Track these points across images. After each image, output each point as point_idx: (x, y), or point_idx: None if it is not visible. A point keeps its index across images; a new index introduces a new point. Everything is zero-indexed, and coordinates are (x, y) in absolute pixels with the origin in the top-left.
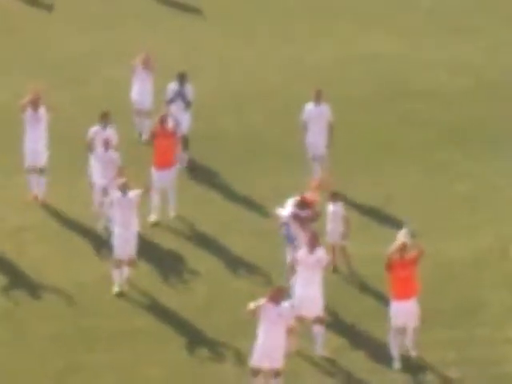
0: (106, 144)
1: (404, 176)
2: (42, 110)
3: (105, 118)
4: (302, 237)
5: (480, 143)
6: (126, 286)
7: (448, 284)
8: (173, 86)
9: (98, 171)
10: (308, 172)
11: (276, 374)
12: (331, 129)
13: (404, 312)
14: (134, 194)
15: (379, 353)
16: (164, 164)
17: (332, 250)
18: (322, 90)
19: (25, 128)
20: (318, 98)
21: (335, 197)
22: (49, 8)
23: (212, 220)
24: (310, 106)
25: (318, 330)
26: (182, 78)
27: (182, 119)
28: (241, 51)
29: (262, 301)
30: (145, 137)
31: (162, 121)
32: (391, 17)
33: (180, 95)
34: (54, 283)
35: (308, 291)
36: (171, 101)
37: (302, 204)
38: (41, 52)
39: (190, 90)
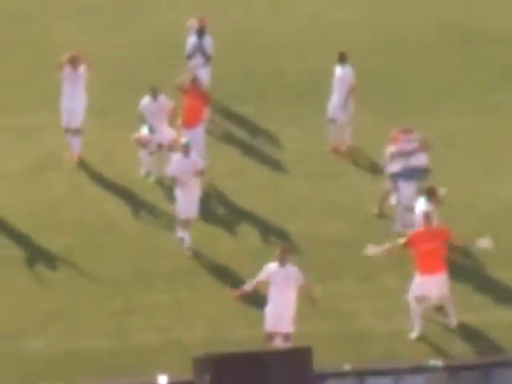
0: (154, 91)
1: (464, 116)
2: (82, 69)
3: (154, 91)
4: None
5: None
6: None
7: (504, 225)
8: (192, 40)
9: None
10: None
11: (286, 337)
12: (352, 91)
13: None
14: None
15: None
16: (191, 122)
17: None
18: (345, 52)
19: (63, 87)
20: (342, 60)
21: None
22: None
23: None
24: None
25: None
26: (201, 31)
27: (200, 74)
28: None
29: (270, 265)
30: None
31: (194, 79)
32: None
33: (200, 49)
34: (111, 225)
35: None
36: (190, 56)
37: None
38: None
39: (209, 42)
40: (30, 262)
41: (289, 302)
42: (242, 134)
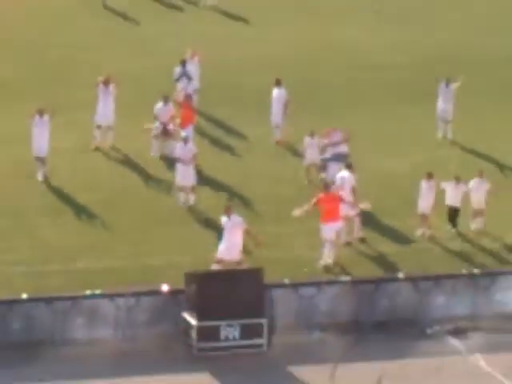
0: (278, 82)
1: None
2: (111, 87)
3: (278, 83)
4: None
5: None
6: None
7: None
8: (177, 69)
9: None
10: None
11: (238, 263)
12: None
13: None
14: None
15: None
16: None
17: None
18: (280, 78)
19: (98, 98)
20: (278, 84)
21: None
22: None
23: None
24: (274, 90)
25: None
26: (183, 63)
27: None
28: None
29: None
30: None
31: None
32: None
33: (184, 75)
34: (131, 188)
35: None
36: (177, 80)
37: None
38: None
39: (192, 70)
40: (79, 210)
41: (236, 240)
42: (219, 132)
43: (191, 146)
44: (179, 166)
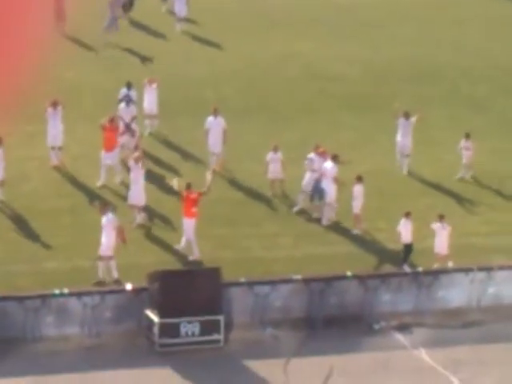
0: (215, 111)
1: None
2: (59, 109)
3: (215, 111)
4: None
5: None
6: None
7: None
8: (123, 91)
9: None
10: None
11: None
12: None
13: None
14: None
15: None
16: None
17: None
18: (217, 107)
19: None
20: (215, 113)
21: None
22: None
23: None
24: (209, 118)
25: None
26: (129, 85)
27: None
28: None
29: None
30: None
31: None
32: None
33: (126, 98)
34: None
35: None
36: (120, 101)
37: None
38: None
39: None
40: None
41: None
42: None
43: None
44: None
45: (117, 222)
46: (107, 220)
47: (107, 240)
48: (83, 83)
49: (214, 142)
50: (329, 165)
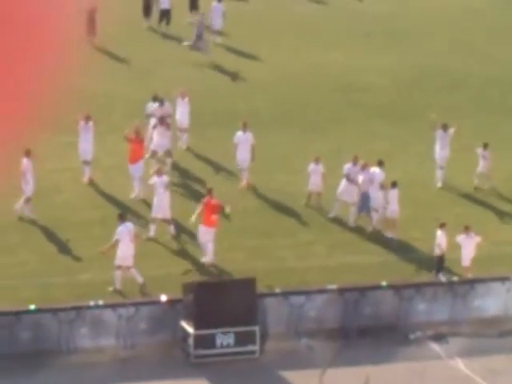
0: (244, 126)
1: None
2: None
3: (244, 126)
4: None
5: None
6: None
7: None
8: (150, 105)
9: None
10: None
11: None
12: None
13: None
14: None
15: None
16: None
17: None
18: (247, 122)
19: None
20: (244, 128)
21: None
22: None
23: None
24: (238, 133)
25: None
26: (156, 99)
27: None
28: None
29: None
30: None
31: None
32: None
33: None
34: None
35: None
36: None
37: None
38: None
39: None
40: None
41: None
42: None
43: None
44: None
45: (135, 230)
46: (126, 228)
47: (126, 249)
48: (114, 94)
49: (243, 157)
50: (376, 170)
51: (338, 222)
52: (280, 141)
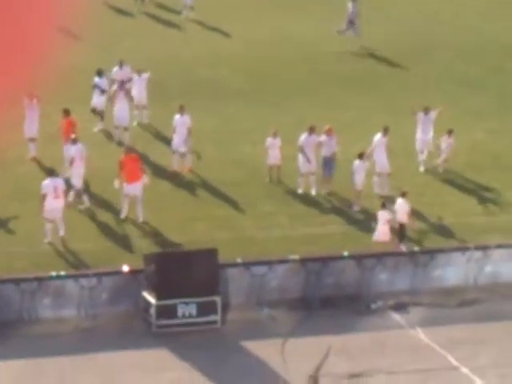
0: (181, 109)
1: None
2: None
3: (181, 109)
4: None
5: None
6: None
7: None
8: (95, 79)
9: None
10: None
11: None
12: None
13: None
14: None
15: None
16: None
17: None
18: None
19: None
20: (181, 110)
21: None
22: None
23: None
24: (176, 116)
25: None
26: (99, 73)
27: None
28: None
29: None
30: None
31: None
32: None
33: (96, 86)
34: None
35: None
36: (93, 87)
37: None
38: None
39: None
40: None
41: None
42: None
43: None
44: None
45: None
46: (52, 183)
47: (52, 202)
48: (77, 65)
49: (179, 141)
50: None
51: (300, 193)
52: (243, 112)
